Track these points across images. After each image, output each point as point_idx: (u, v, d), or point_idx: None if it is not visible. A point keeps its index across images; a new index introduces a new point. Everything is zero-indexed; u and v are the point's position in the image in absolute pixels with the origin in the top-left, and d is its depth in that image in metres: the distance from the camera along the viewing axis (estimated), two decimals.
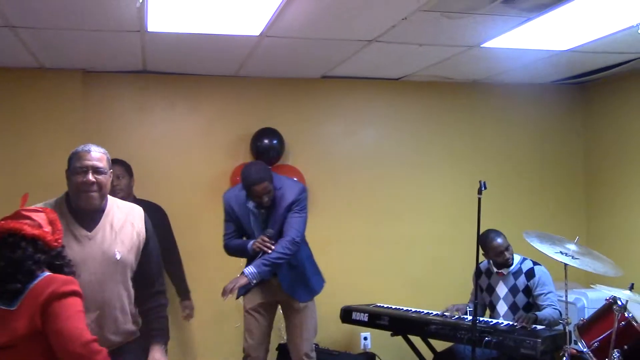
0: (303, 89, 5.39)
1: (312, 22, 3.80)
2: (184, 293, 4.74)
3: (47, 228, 2.33)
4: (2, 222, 2.30)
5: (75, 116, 4.82)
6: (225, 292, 3.69)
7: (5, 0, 3.34)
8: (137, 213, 2.93)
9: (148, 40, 4.12)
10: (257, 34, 3.99)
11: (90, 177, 2.73)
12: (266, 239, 3.82)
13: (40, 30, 3.86)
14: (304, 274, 4.08)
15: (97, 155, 2.78)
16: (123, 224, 2.84)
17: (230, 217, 4.05)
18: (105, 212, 2.82)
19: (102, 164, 2.78)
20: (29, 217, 2.32)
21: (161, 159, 5.10)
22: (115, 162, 4.71)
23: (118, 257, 2.77)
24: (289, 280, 4.02)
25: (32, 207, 2.41)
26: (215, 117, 5.27)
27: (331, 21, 3.79)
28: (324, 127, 5.48)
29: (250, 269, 3.75)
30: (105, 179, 2.79)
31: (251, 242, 3.90)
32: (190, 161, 5.14)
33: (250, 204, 3.95)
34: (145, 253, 2.89)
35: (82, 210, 2.77)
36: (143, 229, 2.89)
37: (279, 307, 4.22)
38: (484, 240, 4.28)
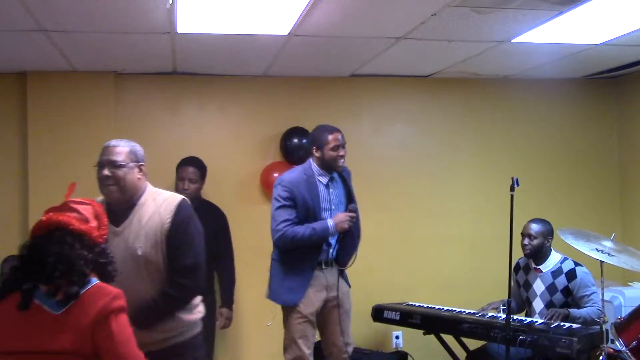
0: (332, 88, 5.38)
1: (340, 21, 3.79)
2: (225, 301, 4.69)
3: (94, 223, 2.21)
4: (50, 214, 2.15)
5: (108, 117, 4.89)
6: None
7: (37, 5, 3.40)
8: (168, 204, 2.79)
9: (178, 41, 4.16)
10: (286, 33, 4.00)
11: (105, 171, 2.75)
12: (352, 213, 3.88)
13: (73, 34, 3.92)
14: None
15: (115, 149, 2.79)
16: (150, 217, 2.76)
17: (294, 201, 3.78)
18: (137, 206, 2.80)
19: (120, 157, 2.77)
20: (76, 210, 2.18)
21: None
22: (189, 163, 4.67)
23: (139, 252, 2.72)
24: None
25: (80, 198, 2.27)
26: (244, 117, 5.29)
27: (359, 19, 3.78)
28: (353, 126, 5.45)
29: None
30: (123, 172, 2.76)
31: (330, 218, 3.82)
32: (221, 161, 5.16)
33: (323, 179, 3.92)
34: (169, 243, 2.74)
35: (112, 205, 2.78)
36: (168, 220, 2.75)
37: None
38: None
